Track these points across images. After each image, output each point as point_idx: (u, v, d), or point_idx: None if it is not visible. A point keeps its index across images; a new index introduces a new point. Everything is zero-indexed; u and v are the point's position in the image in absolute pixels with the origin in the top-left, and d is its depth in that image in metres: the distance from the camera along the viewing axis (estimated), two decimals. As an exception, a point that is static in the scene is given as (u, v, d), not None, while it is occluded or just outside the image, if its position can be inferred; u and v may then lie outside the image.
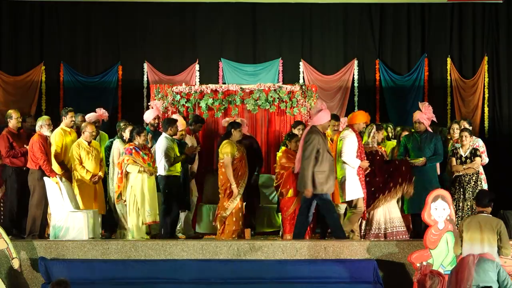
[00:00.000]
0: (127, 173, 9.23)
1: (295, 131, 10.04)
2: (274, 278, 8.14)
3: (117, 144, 9.76)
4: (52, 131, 9.66)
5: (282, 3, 13.20)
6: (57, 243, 8.55)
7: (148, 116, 10.51)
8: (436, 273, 6.68)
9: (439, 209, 7.88)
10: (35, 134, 9.50)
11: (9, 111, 10.06)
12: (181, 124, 9.99)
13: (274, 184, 9.57)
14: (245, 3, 13.21)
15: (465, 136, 9.69)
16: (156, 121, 10.51)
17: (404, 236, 8.98)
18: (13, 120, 9.85)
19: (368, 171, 8.99)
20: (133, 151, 9.20)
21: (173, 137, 9.67)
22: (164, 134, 9.65)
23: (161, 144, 9.53)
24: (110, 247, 8.44)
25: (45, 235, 9.51)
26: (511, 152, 12.58)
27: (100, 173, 9.68)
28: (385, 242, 8.45)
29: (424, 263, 7.67)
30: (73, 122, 10.02)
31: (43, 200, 9.32)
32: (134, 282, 8.15)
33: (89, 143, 9.71)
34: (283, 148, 9.57)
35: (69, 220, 9.14)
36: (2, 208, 10.22)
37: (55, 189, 9.26)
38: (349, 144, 8.84)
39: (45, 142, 9.42)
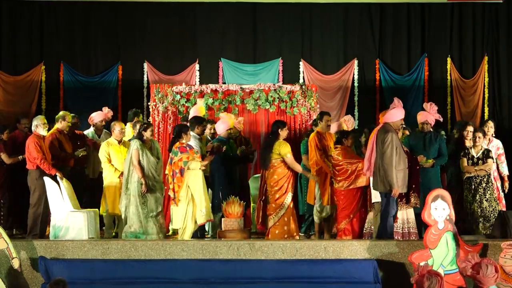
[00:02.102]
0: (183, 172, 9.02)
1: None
2: (274, 278, 8.14)
3: (136, 145, 9.31)
4: (48, 130, 9.72)
5: (282, 3, 13.20)
6: (57, 243, 8.55)
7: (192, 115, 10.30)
8: (434, 273, 6.62)
9: (439, 209, 7.89)
10: (31, 134, 9.52)
11: (61, 113, 10.15)
12: (228, 122, 9.96)
13: (339, 178, 9.34)
14: (245, 3, 13.21)
15: (479, 137, 9.65)
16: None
17: (414, 237, 8.99)
18: (64, 122, 9.97)
19: None
20: (187, 148, 9.08)
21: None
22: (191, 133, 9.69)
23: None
24: (110, 247, 8.44)
25: (45, 234, 9.52)
26: (511, 152, 12.57)
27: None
28: (385, 242, 8.45)
29: (422, 263, 7.66)
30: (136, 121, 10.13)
31: (43, 200, 9.32)
32: (134, 282, 8.14)
33: (120, 142, 9.74)
34: (338, 146, 9.45)
35: (69, 220, 9.15)
36: (2, 208, 10.24)
37: (55, 189, 9.26)
38: None
39: (41, 141, 9.44)
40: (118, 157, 9.69)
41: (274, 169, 9.24)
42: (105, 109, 10.75)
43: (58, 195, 9.26)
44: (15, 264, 8.14)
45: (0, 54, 13.13)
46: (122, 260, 8.36)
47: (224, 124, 9.98)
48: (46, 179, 9.29)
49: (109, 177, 9.74)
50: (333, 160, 9.39)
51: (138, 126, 9.55)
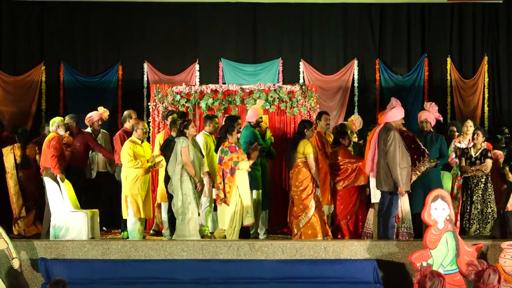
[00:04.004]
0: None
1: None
2: (274, 278, 8.15)
3: (185, 142, 9.01)
4: (66, 131, 9.83)
5: (282, 3, 13.20)
6: (57, 243, 8.56)
7: (251, 116, 10.12)
8: (436, 274, 6.62)
9: (438, 209, 7.89)
10: (50, 133, 9.60)
11: (127, 111, 10.25)
12: (257, 113, 9.93)
13: (338, 178, 9.39)
14: (246, 3, 13.22)
15: (477, 135, 9.51)
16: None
17: (408, 237, 8.99)
18: (132, 120, 10.03)
19: None
20: (236, 148, 8.98)
21: (257, 129, 9.84)
22: (203, 131, 9.68)
23: (199, 141, 9.57)
24: (110, 247, 8.44)
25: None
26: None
27: (161, 162, 9.39)
28: (385, 242, 8.46)
29: (424, 263, 7.67)
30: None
31: None
32: (134, 282, 8.16)
33: (142, 141, 9.50)
34: (338, 146, 9.51)
35: (69, 220, 9.16)
36: None
37: (55, 189, 9.27)
38: None
39: (61, 141, 9.64)
40: (142, 159, 9.35)
41: (298, 168, 9.14)
42: (101, 109, 10.71)
43: (58, 195, 9.27)
44: (15, 264, 8.15)
45: (0, 54, 13.14)
46: (122, 260, 8.37)
47: (251, 110, 10.04)
48: (46, 179, 9.31)
49: (130, 178, 9.28)
50: (331, 160, 9.40)
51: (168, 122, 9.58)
